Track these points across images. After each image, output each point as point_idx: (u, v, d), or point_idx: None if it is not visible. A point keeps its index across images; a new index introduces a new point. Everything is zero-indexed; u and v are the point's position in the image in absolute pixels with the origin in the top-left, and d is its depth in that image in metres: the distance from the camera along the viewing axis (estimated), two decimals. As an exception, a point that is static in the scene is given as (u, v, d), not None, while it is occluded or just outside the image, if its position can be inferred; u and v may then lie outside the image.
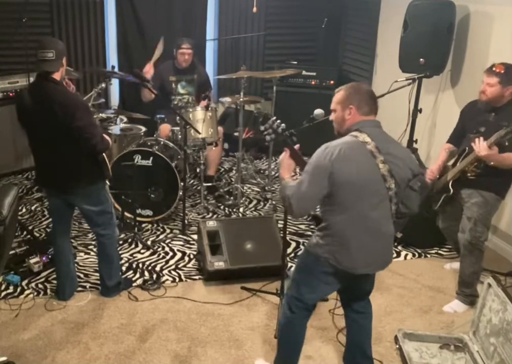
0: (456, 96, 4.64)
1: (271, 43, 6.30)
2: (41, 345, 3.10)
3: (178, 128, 4.73)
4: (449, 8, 4.40)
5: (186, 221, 4.43)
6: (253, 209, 4.89)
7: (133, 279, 3.76)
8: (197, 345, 3.15)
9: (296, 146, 2.59)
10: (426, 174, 3.69)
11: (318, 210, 2.53)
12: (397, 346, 3.13)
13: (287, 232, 3.63)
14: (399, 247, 4.29)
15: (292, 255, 4.12)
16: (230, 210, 4.84)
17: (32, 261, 3.72)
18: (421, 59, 4.52)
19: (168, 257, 4.07)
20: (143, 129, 4.87)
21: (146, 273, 3.84)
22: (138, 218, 4.33)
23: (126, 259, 3.99)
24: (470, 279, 3.47)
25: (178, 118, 4.53)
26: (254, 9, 5.43)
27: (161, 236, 4.38)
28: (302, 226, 4.55)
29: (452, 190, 3.46)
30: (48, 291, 3.58)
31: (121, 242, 4.12)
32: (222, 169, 5.70)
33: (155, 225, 4.54)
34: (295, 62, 6.01)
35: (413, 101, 4.66)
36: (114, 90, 6.03)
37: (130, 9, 5.76)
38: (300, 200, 2.37)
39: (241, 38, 6.12)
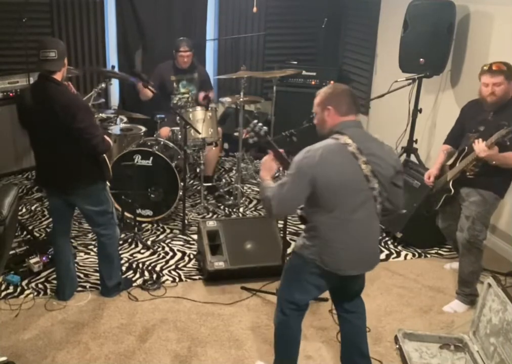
0: (456, 96, 4.64)
1: (271, 43, 6.30)
2: (41, 345, 3.10)
3: (178, 128, 4.73)
4: (449, 8, 4.40)
5: (186, 221, 4.44)
6: (253, 209, 4.89)
7: (133, 279, 3.76)
8: (197, 345, 3.15)
9: (281, 150, 2.61)
10: (424, 177, 3.68)
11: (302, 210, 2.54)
12: (397, 346, 3.13)
13: (287, 232, 3.64)
14: (399, 247, 4.30)
15: (292, 255, 4.12)
16: (230, 210, 4.84)
17: (32, 261, 3.72)
18: (421, 59, 4.53)
19: (168, 257, 4.07)
20: (143, 129, 4.86)
21: (146, 273, 3.84)
22: (138, 218, 4.33)
23: (126, 259, 3.99)
24: (469, 278, 3.47)
25: (178, 118, 4.54)
26: (254, 9, 5.43)
27: (161, 236, 4.38)
28: (302, 226, 4.53)
29: (453, 190, 3.46)
30: (48, 291, 3.58)
31: (121, 242, 4.12)
32: (222, 169, 5.71)
33: (155, 225, 4.54)
34: (295, 62, 6.01)
35: (413, 101, 4.66)
36: (114, 90, 6.03)
37: (130, 9, 5.76)
38: (281, 202, 2.39)
39: (241, 38, 6.12)
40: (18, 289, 3.57)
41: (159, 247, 4.20)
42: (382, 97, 4.54)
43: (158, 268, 3.91)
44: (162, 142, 4.68)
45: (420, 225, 4.16)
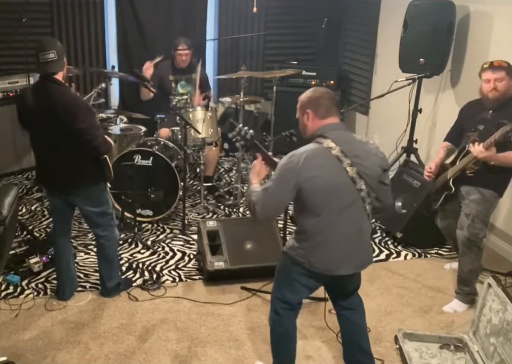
0: (456, 96, 4.64)
1: (271, 43, 6.30)
2: (41, 345, 3.10)
3: (178, 128, 4.73)
4: (449, 8, 4.40)
5: (186, 221, 4.44)
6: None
7: (133, 279, 3.76)
8: (197, 345, 3.15)
9: (270, 154, 2.62)
10: (424, 171, 3.70)
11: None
12: (397, 346, 3.13)
13: (287, 232, 3.64)
14: (399, 247, 4.30)
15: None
16: (230, 210, 4.84)
17: (32, 261, 3.72)
18: (421, 59, 4.53)
19: (168, 257, 4.07)
20: (143, 129, 4.87)
21: (146, 273, 3.84)
22: (138, 218, 4.33)
23: (126, 259, 3.99)
24: (469, 277, 3.47)
25: (178, 118, 4.54)
26: (254, 9, 5.43)
27: (161, 236, 4.38)
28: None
29: (453, 188, 3.47)
30: (48, 291, 3.58)
31: (121, 242, 4.12)
32: (222, 169, 5.71)
33: (155, 225, 4.54)
34: (295, 62, 6.01)
35: (413, 101, 4.66)
36: (114, 90, 6.03)
37: (130, 9, 5.75)
38: (264, 206, 2.40)
39: (241, 38, 6.12)
40: (18, 289, 3.57)
41: (159, 247, 4.20)
42: (382, 97, 4.54)
43: (158, 268, 3.91)
44: (162, 142, 4.68)
45: (420, 225, 4.16)
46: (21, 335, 3.17)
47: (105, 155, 3.21)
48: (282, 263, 2.66)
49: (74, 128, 3.02)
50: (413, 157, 4.78)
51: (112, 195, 4.29)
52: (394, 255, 4.20)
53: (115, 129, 4.79)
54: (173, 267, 3.94)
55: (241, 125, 2.65)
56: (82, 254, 4.05)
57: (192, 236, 4.33)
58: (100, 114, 4.64)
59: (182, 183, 4.42)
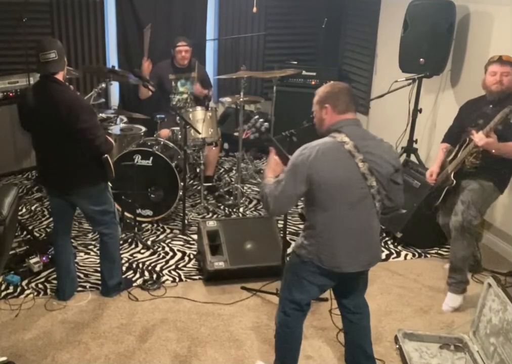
0: (456, 96, 4.64)
1: (271, 43, 6.30)
2: (41, 345, 3.10)
3: (178, 128, 4.73)
4: (449, 8, 4.40)
5: (186, 221, 4.44)
6: (253, 209, 4.89)
7: (133, 279, 3.76)
8: (197, 345, 3.15)
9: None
10: (426, 176, 3.69)
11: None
12: (397, 346, 3.13)
13: (287, 232, 3.64)
14: (399, 247, 4.30)
15: (292, 255, 4.12)
16: (230, 210, 4.84)
17: (32, 261, 3.72)
18: (421, 59, 4.53)
19: (168, 257, 4.07)
20: (143, 129, 4.87)
21: (146, 273, 3.84)
22: (138, 218, 4.33)
23: (126, 259, 3.99)
24: (460, 264, 3.47)
25: (178, 117, 4.54)
26: (254, 9, 5.43)
27: (161, 236, 4.38)
28: (302, 226, 4.53)
29: (454, 181, 3.48)
30: (48, 291, 3.58)
31: (121, 242, 4.10)
32: (222, 169, 5.71)
33: (155, 225, 4.54)
34: (295, 62, 6.01)
35: (413, 101, 4.66)
36: (114, 90, 6.03)
37: (130, 9, 5.75)
38: (277, 199, 2.41)
39: (241, 38, 6.12)
40: (18, 289, 3.57)
41: (159, 247, 4.20)
42: (382, 97, 4.54)
43: (158, 268, 3.91)
44: (162, 142, 4.67)
45: (420, 225, 4.16)
46: (21, 335, 3.17)
47: (106, 155, 3.21)
48: (290, 262, 2.65)
49: (75, 128, 3.02)
50: (413, 157, 4.78)
51: (112, 195, 4.30)
52: (394, 255, 4.20)
53: (115, 129, 4.79)
54: (173, 267, 3.94)
55: (256, 117, 2.64)
56: (82, 254, 4.05)
57: (192, 236, 4.33)
58: (100, 114, 4.64)
59: (182, 183, 4.42)
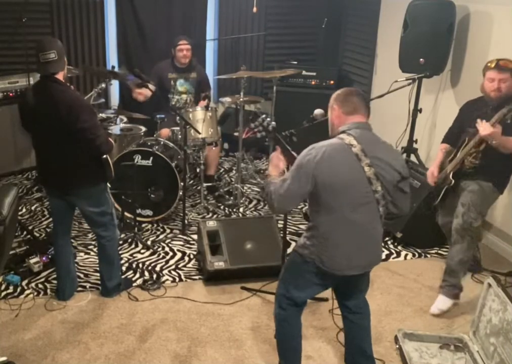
0: (456, 96, 4.64)
1: (271, 43, 6.30)
2: (41, 345, 3.10)
3: (178, 128, 4.73)
4: (449, 8, 4.40)
5: (186, 221, 4.43)
6: (253, 209, 4.89)
7: (133, 279, 3.76)
8: (197, 345, 3.15)
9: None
10: (427, 176, 3.69)
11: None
12: (397, 346, 3.13)
13: (287, 232, 3.64)
14: (399, 247, 4.30)
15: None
16: (230, 210, 4.84)
17: (32, 261, 3.72)
18: (421, 59, 4.53)
19: (168, 257, 4.07)
20: (143, 129, 4.87)
21: (146, 273, 3.84)
22: (138, 218, 4.33)
23: (126, 259, 3.99)
24: (457, 268, 3.44)
25: (178, 117, 4.54)
26: (254, 9, 5.43)
27: (161, 236, 4.38)
28: (302, 226, 4.55)
29: (453, 181, 3.47)
30: (48, 291, 3.58)
31: (121, 242, 4.12)
32: (222, 169, 5.71)
33: (155, 225, 4.54)
34: (295, 62, 6.00)
35: (413, 101, 4.66)
36: (114, 90, 6.03)
37: (130, 9, 5.76)
38: (281, 197, 2.42)
39: (241, 38, 6.12)
40: (18, 289, 3.56)
41: (159, 247, 4.20)
42: (382, 97, 4.54)
43: (158, 268, 3.91)
44: (162, 142, 4.67)
45: (420, 225, 4.16)
46: (21, 335, 3.17)
47: (106, 155, 3.20)
48: (291, 261, 2.65)
49: (76, 128, 3.02)
50: (413, 157, 4.78)
51: (112, 195, 4.29)
52: (394, 255, 4.20)
53: (115, 129, 4.79)
54: (173, 267, 3.94)
55: (264, 116, 2.65)
56: (82, 254, 4.05)
57: (192, 236, 4.32)
58: (100, 114, 4.64)
59: (182, 183, 4.42)
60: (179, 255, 4.11)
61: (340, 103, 2.50)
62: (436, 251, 4.26)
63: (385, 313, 3.49)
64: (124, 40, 5.88)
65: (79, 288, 3.60)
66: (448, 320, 3.43)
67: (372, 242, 2.53)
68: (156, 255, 4.08)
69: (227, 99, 5.06)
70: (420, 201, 4.09)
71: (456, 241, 3.43)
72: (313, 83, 5.87)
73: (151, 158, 4.39)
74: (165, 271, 3.88)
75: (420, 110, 4.69)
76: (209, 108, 4.63)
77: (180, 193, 4.42)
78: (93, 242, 4.12)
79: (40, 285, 3.63)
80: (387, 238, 4.42)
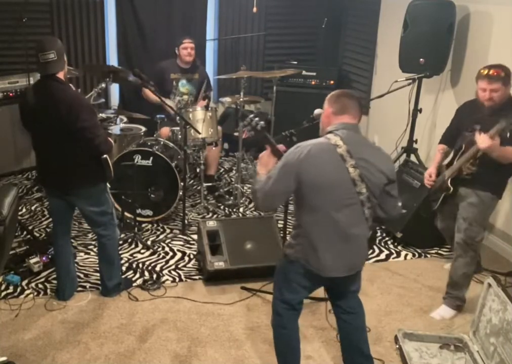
0: (456, 96, 4.64)
1: (271, 43, 6.30)
2: (41, 345, 3.10)
3: (178, 128, 4.73)
4: (449, 8, 4.40)
5: (186, 221, 4.44)
6: (253, 209, 4.88)
7: (133, 279, 3.76)
8: (197, 345, 3.15)
9: (280, 146, 2.62)
10: (425, 180, 3.65)
11: None
12: (397, 346, 3.13)
13: (287, 232, 3.64)
14: (399, 247, 4.30)
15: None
16: (230, 210, 4.84)
17: (32, 261, 3.72)
18: (421, 59, 4.53)
19: (168, 257, 4.07)
20: (143, 129, 4.87)
21: (146, 273, 3.84)
22: (138, 218, 4.33)
23: (126, 259, 3.99)
24: (460, 281, 3.43)
25: (178, 117, 4.54)
26: (254, 9, 5.44)
27: (161, 236, 4.38)
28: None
29: (451, 188, 3.45)
30: (48, 291, 3.58)
31: (121, 242, 4.12)
32: (222, 169, 5.71)
33: (155, 225, 4.54)
34: (295, 62, 6.01)
35: (413, 101, 4.67)
36: (114, 90, 6.03)
37: (130, 9, 5.76)
38: (266, 195, 2.43)
39: (241, 38, 6.13)
40: (18, 289, 3.56)
41: (159, 247, 4.20)
42: (382, 97, 4.54)
43: (158, 268, 3.91)
44: (162, 142, 4.68)
45: (420, 225, 4.16)
46: (21, 335, 3.17)
47: (106, 155, 3.20)
48: (280, 263, 2.66)
49: (75, 127, 3.02)
50: (413, 157, 4.78)
51: (112, 195, 4.29)
52: (394, 255, 4.20)
53: (115, 129, 4.79)
54: (173, 267, 3.94)
55: (252, 115, 2.65)
56: (82, 254, 4.05)
57: (192, 236, 4.33)
58: (100, 114, 4.63)
59: (182, 183, 4.42)
60: (179, 255, 4.11)
61: (331, 103, 2.51)
62: (436, 251, 4.27)
63: (385, 313, 3.49)
64: (124, 40, 5.88)
65: (79, 288, 3.60)
66: (448, 320, 3.43)
67: (356, 244, 2.50)
68: (156, 255, 4.08)
69: (227, 99, 5.06)
70: (420, 201, 4.09)
71: (459, 256, 3.41)
72: (313, 83, 5.87)
73: (151, 158, 4.39)
74: (165, 271, 3.88)
75: (420, 110, 4.69)
76: (209, 108, 4.63)
77: (180, 193, 4.42)
78: (93, 242, 4.12)
79: (40, 285, 3.62)
80: (387, 238, 4.43)
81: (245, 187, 5.26)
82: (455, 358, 3.07)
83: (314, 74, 5.88)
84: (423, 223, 4.07)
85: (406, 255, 4.21)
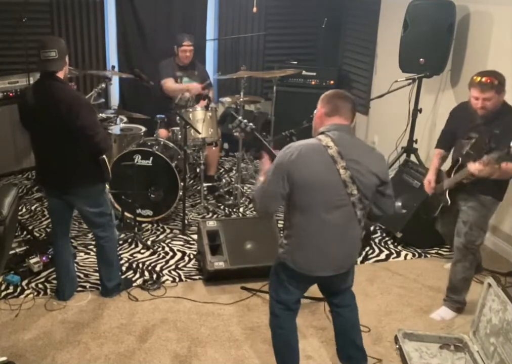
0: (456, 96, 4.64)
1: (271, 43, 6.30)
2: (41, 345, 3.10)
3: (178, 128, 4.73)
4: (449, 8, 4.40)
5: (186, 221, 4.44)
6: (253, 209, 4.88)
7: (133, 279, 3.76)
8: (197, 345, 3.15)
9: (276, 152, 2.62)
10: (424, 184, 3.62)
11: None
12: (397, 346, 3.13)
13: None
14: (399, 247, 4.30)
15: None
16: (230, 210, 4.84)
17: (32, 261, 3.72)
18: (421, 59, 4.53)
19: (168, 257, 4.07)
20: (143, 129, 4.87)
21: (146, 273, 3.84)
22: (138, 218, 4.33)
23: (126, 259, 3.99)
24: (460, 285, 3.42)
25: (178, 117, 4.54)
26: (254, 9, 5.44)
27: (161, 236, 4.38)
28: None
29: (449, 201, 3.40)
30: (48, 291, 3.58)
31: (121, 242, 4.12)
32: (222, 169, 5.71)
33: (155, 225, 4.54)
34: (295, 62, 6.01)
35: (413, 101, 4.67)
36: (114, 90, 6.03)
37: (130, 9, 5.76)
38: (262, 198, 2.44)
39: (241, 38, 6.13)
40: (18, 289, 3.56)
41: (159, 247, 4.20)
42: (382, 97, 4.54)
43: (158, 268, 3.91)
44: (162, 142, 4.68)
45: (420, 225, 4.16)
46: (21, 335, 3.17)
47: (103, 156, 3.20)
48: (274, 264, 2.67)
49: (75, 126, 3.02)
50: (413, 157, 4.78)
51: (112, 195, 4.31)
52: (394, 255, 4.20)
53: (115, 129, 4.79)
54: (173, 267, 3.94)
55: (240, 117, 2.65)
56: (82, 254, 4.05)
57: (192, 236, 4.33)
58: (100, 114, 4.64)
59: (182, 183, 4.42)
60: (179, 255, 4.11)
61: (323, 103, 2.51)
62: (436, 251, 4.26)
63: (385, 313, 3.49)
64: (124, 40, 5.88)
65: (79, 288, 3.60)
66: (448, 320, 3.43)
67: (346, 245, 2.50)
68: (156, 255, 4.08)
69: (227, 99, 5.06)
70: (420, 201, 4.09)
71: (458, 260, 3.38)
72: (313, 83, 5.87)
73: (151, 158, 4.39)
74: (165, 271, 3.88)
75: (420, 110, 4.69)
76: (209, 108, 4.63)
77: (180, 193, 4.42)
78: (93, 242, 4.11)
79: (40, 285, 3.62)
80: (387, 238, 4.43)
81: (245, 187, 5.26)
82: (455, 358, 3.07)
83: (314, 74, 5.88)
84: (423, 223, 4.07)
85: (406, 255, 4.21)
